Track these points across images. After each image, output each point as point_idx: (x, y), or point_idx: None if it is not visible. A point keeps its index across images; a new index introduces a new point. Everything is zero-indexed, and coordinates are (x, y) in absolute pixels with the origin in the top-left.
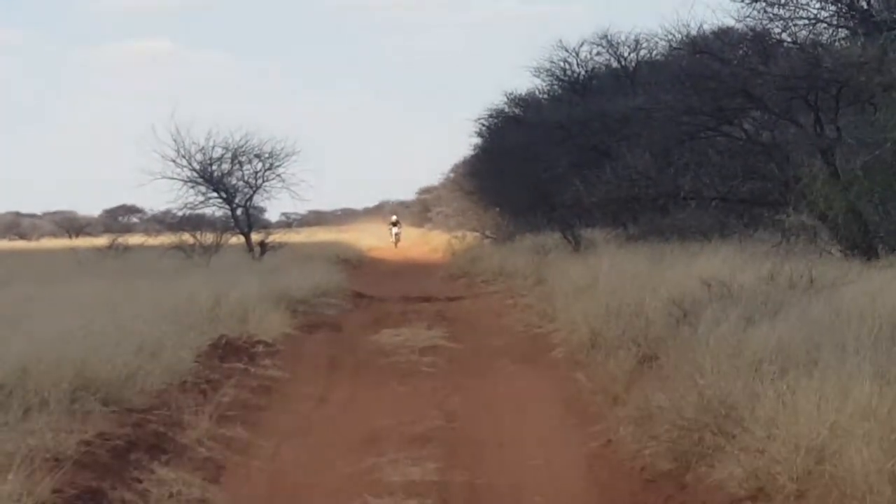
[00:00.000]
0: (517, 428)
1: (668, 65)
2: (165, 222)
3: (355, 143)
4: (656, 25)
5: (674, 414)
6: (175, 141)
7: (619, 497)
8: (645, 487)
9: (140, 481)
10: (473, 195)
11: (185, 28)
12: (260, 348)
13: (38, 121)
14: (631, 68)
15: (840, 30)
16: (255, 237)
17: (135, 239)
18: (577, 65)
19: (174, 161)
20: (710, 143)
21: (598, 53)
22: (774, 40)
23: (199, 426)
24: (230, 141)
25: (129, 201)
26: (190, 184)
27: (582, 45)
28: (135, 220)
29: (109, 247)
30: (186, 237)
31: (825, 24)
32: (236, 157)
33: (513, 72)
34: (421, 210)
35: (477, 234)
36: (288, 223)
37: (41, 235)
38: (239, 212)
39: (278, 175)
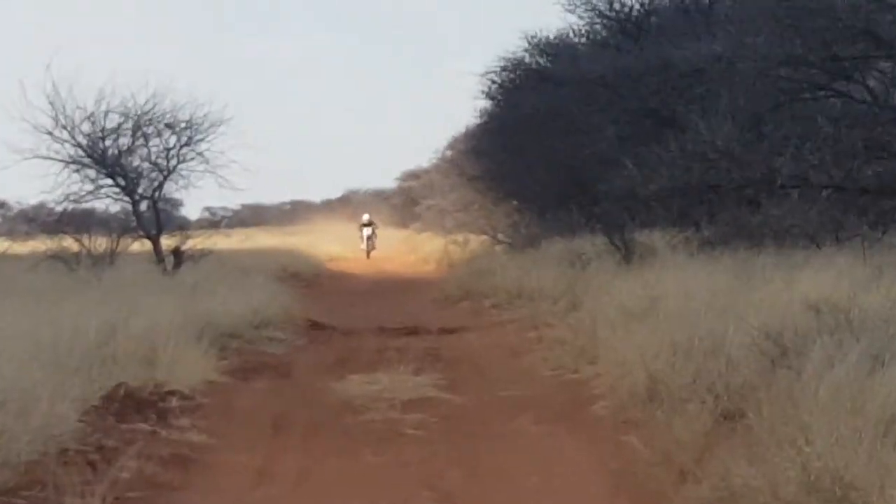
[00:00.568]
0: None
1: None
2: (38, 221)
3: (310, 107)
4: None
5: (768, 496)
6: (52, 104)
7: None
8: None
9: None
10: (480, 182)
11: None
12: (173, 402)
13: None
14: (706, 0)
15: None
16: (168, 242)
17: None
18: None
19: (50, 134)
20: (819, 107)
21: None
22: None
23: None
24: (131, 105)
25: None
26: (73, 166)
27: None
28: None
29: None
30: (68, 242)
31: None
32: (139, 127)
33: (537, 4)
34: (405, 203)
35: (485, 237)
36: (214, 222)
37: None
38: (143, 206)
39: (200, 154)
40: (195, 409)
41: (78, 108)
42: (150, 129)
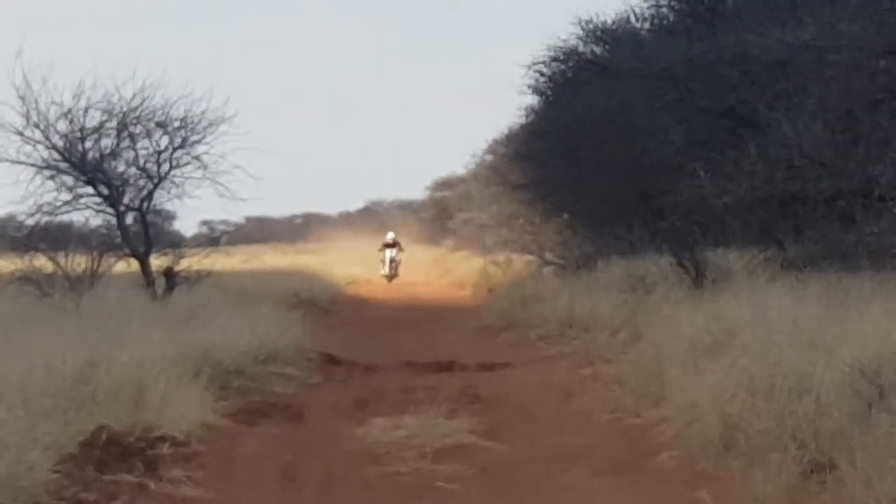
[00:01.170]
0: None
1: None
2: (5, 236)
3: (326, 104)
4: None
5: None
6: (22, 99)
7: None
8: None
9: None
10: (525, 192)
11: None
12: (164, 449)
13: None
14: None
15: None
16: (158, 262)
17: None
18: None
19: (20, 134)
20: None
21: None
22: None
23: None
24: (115, 100)
25: None
26: (47, 172)
27: None
28: None
29: None
30: (41, 262)
31: None
32: (125, 126)
33: None
34: (436, 217)
35: (531, 257)
36: (213, 238)
37: None
38: (130, 219)
39: (196, 158)
40: (190, 457)
41: (53, 103)
42: (138, 129)
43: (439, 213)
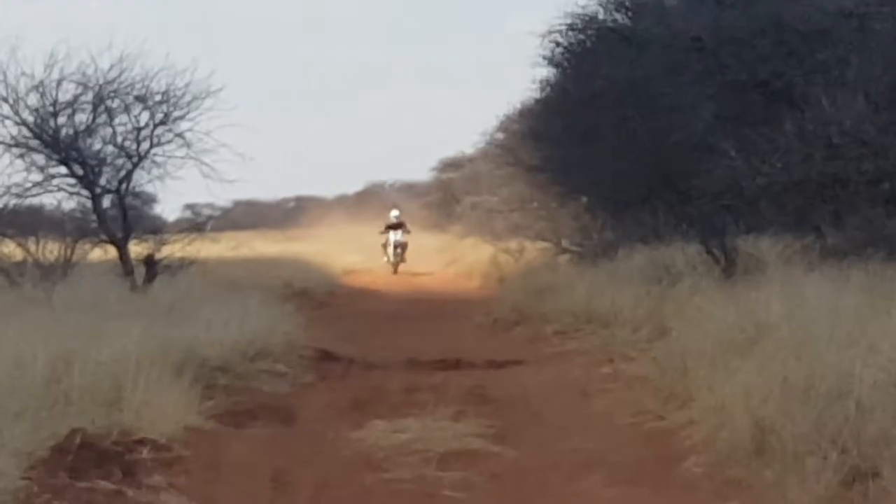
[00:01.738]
0: None
1: None
2: None
3: (320, 76)
4: None
5: None
6: None
7: None
8: None
9: None
10: (539, 174)
11: None
12: (144, 453)
13: None
14: None
15: None
16: (138, 249)
17: None
18: None
19: None
20: None
21: None
22: None
23: None
24: (90, 72)
25: None
26: (16, 150)
27: None
28: None
29: None
30: (10, 248)
31: None
32: (102, 100)
33: None
34: (442, 201)
35: (545, 244)
36: (198, 224)
37: None
38: (107, 202)
39: (179, 135)
40: (172, 462)
41: (23, 74)
42: (116, 104)
43: (445, 197)
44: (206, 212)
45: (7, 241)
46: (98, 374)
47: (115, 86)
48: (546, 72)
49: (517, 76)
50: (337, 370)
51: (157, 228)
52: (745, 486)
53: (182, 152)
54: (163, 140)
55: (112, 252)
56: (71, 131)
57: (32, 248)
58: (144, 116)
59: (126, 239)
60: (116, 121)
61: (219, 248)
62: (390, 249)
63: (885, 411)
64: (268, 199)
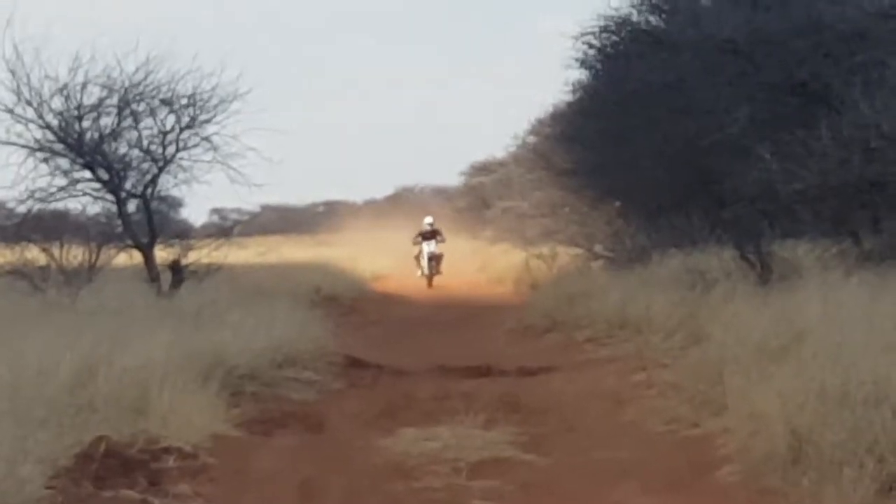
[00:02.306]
0: None
1: None
2: None
3: (350, 79)
4: None
5: None
6: (13, 73)
7: None
8: None
9: None
10: (571, 178)
11: None
12: (170, 462)
13: None
14: None
15: None
16: (164, 254)
17: None
18: None
19: (11, 112)
20: None
21: None
22: None
23: None
24: (116, 74)
25: None
26: (41, 154)
27: None
28: None
29: None
30: (34, 253)
31: None
32: (127, 104)
33: None
34: (473, 205)
35: (578, 250)
36: (225, 229)
37: None
38: (132, 207)
39: (206, 139)
40: (199, 471)
41: (47, 77)
42: (142, 107)
43: (476, 202)
44: (234, 216)
45: (31, 246)
46: (123, 380)
47: (141, 89)
48: (578, 74)
49: (549, 79)
50: (366, 377)
51: (183, 233)
52: (781, 494)
53: (209, 156)
54: (189, 144)
55: (137, 257)
56: (96, 135)
57: (56, 253)
58: (170, 120)
59: (152, 244)
60: (142, 124)
61: (246, 254)
62: (424, 262)
63: None
64: (297, 204)
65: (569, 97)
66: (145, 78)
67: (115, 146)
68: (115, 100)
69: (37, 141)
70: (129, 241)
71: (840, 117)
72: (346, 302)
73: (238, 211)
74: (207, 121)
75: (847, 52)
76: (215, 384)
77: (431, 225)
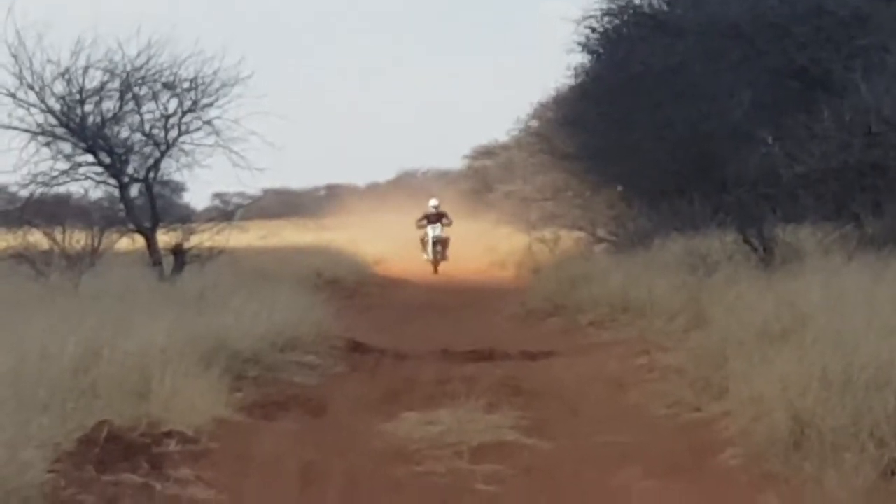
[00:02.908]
0: None
1: None
2: None
3: (352, 62)
4: None
5: None
6: (15, 58)
7: None
8: None
9: None
10: (574, 162)
11: None
12: (172, 446)
13: None
14: None
15: None
16: (166, 238)
17: None
18: None
19: (13, 96)
20: None
21: None
22: None
23: None
24: (118, 59)
25: None
26: (43, 138)
27: None
28: None
29: None
30: (36, 238)
31: None
32: (129, 88)
33: None
34: (476, 189)
35: (581, 233)
36: (227, 213)
37: None
38: (134, 191)
39: (208, 123)
40: (200, 455)
41: (49, 62)
42: (143, 91)
43: (479, 185)
44: (236, 200)
45: (33, 230)
46: (125, 365)
47: (143, 73)
48: (581, 58)
49: (552, 62)
50: (368, 361)
51: (185, 217)
52: (783, 478)
53: (211, 140)
54: (191, 128)
55: (140, 241)
56: (98, 119)
57: (59, 237)
58: (173, 104)
59: (154, 228)
60: (144, 108)
61: (248, 238)
62: (429, 247)
63: None
64: (298, 188)
65: (571, 81)
66: (147, 62)
67: (117, 130)
68: (116, 84)
69: (39, 125)
70: (132, 226)
71: (841, 101)
72: (348, 286)
73: (240, 195)
74: (209, 105)
75: (848, 37)
76: (217, 368)
77: (437, 207)
